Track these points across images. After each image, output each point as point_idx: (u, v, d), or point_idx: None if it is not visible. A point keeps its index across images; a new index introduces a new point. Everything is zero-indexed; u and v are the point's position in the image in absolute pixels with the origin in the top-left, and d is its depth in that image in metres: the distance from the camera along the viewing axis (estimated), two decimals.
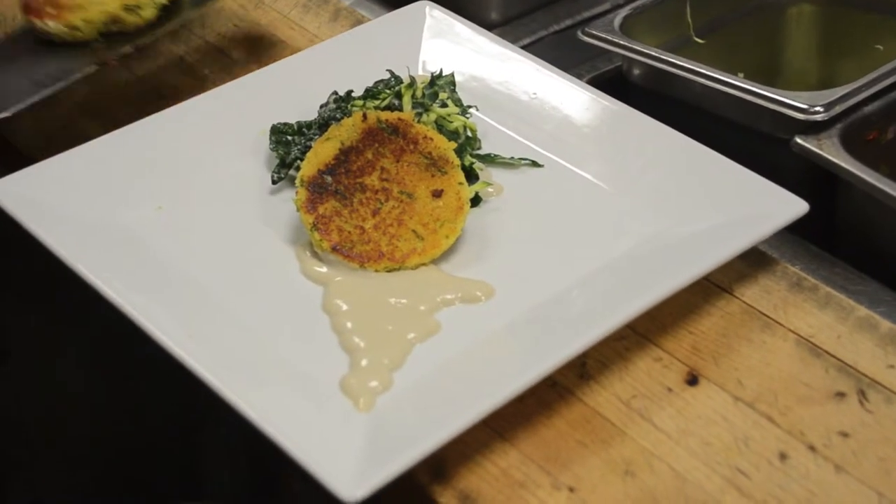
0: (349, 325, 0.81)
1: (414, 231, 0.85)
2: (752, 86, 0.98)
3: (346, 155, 0.88)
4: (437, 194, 0.86)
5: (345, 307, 0.82)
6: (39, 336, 1.25)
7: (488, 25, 1.21)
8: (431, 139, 0.88)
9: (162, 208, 0.90)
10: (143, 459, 1.24)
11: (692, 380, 0.80)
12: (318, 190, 0.86)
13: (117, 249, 0.85)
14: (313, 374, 0.77)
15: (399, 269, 0.84)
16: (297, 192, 0.86)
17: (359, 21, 1.13)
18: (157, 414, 1.18)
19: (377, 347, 0.79)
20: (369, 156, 0.88)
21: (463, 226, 0.86)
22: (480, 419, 0.73)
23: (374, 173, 0.87)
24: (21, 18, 1.03)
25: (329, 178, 0.86)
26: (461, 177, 0.87)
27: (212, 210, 0.90)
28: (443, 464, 0.74)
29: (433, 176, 0.87)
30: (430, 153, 0.88)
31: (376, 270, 0.84)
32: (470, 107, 0.96)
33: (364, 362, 0.78)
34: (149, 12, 1.01)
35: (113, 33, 1.00)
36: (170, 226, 0.88)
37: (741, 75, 1.14)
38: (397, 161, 0.87)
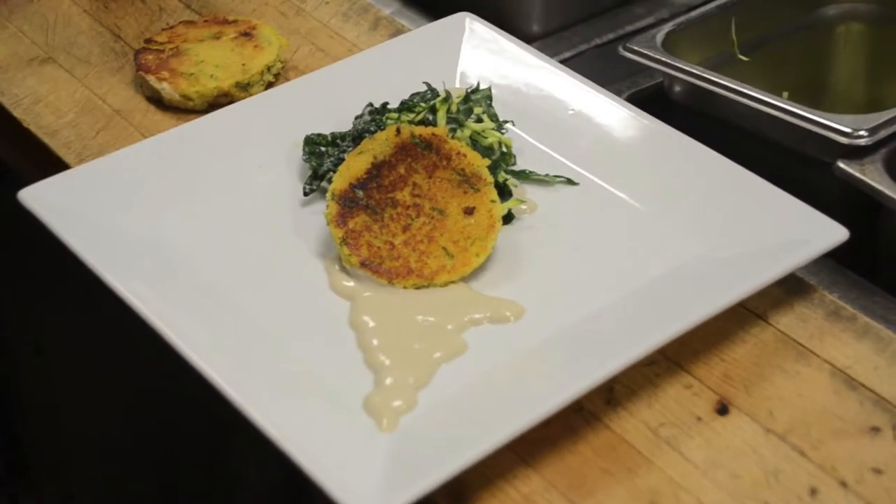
0: (375, 342, 0.80)
1: (444, 248, 0.84)
2: (795, 107, 0.96)
3: (378, 169, 0.87)
4: (469, 212, 0.85)
5: (372, 324, 0.81)
6: (74, 332, 1.26)
7: (529, 38, 1.20)
8: (465, 155, 0.87)
9: (193, 216, 0.89)
10: (174, 458, 1.24)
11: (722, 409, 0.78)
12: (348, 204, 0.85)
13: (145, 257, 0.85)
14: (337, 390, 0.77)
15: (428, 287, 0.83)
16: (327, 206, 0.85)
17: (398, 31, 1.12)
18: (191, 413, 1.18)
19: (403, 366, 0.78)
20: (401, 171, 0.87)
21: (494, 244, 0.85)
22: (505, 444, 0.72)
23: (405, 188, 0.86)
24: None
25: (360, 193, 0.86)
26: (494, 194, 0.86)
27: (242, 220, 0.90)
28: (464, 488, 0.73)
29: (465, 193, 0.86)
30: (462, 170, 0.86)
31: (405, 287, 0.83)
32: (506, 122, 0.95)
33: (389, 381, 0.77)
34: (257, 89, 1.03)
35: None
36: (199, 235, 0.88)
37: (786, 94, 1.12)
38: (430, 177, 0.86)
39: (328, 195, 0.86)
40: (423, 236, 0.84)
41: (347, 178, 0.86)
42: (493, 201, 0.86)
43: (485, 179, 0.86)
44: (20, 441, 1.46)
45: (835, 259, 0.91)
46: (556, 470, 0.74)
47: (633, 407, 0.78)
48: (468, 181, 0.86)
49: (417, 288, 0.83)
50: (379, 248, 0.84)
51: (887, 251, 0.96)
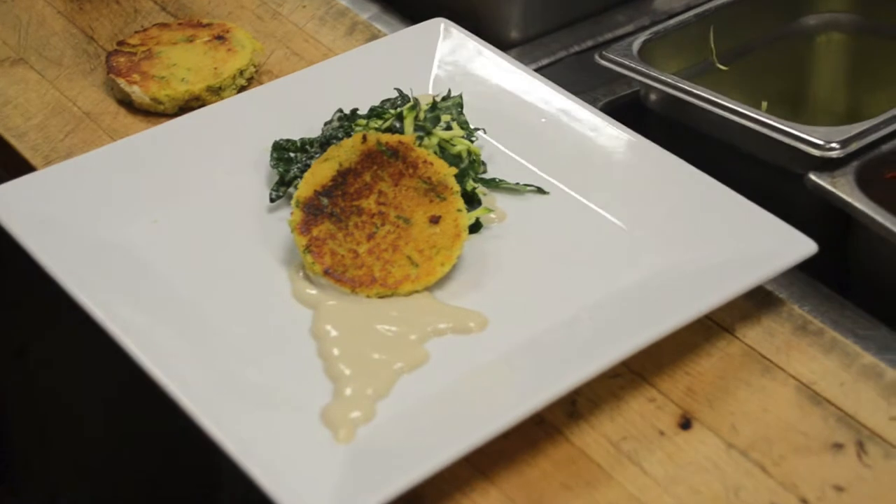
0: (336, 351, 0.79)
1: (409, 257, 0.83)
2: (768, 118, 0.95)
3: (343, 177, 0.86)
4: (435, 220, 0.84)
5: (333, 333, 0.80)
6: (56, 332, 1.25)
7: (508, 44, 1.19)
8: (431, 164, 0.86)
9: (157, 222, 0.89)
10: (160, 459, 1.23)
11: (685, 423, 0.77)
12: (313, 211, 0.84)
13: (104, 262, 0.84)
14: (295, 400, 0.76)
15: (392, 296, 0.83)
16: (292, 213, 0.85)
17: (375, 36, 1.11)
18: (177, 415, 1.17)
19: (362, 376, 0.77)
20: (367, 178, 0.86)
21: (460, 254, 0.84)
22: (461, 457, 0.71)
23: (371, 196, 0.85)
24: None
25: (325, 200, 0.85)
26: (460, 204, 0.85)
27: (207, 226, 0.89)
28: (420, 501, 0.72)
29: (431, 202, 0.85)
30: (429, 178, 0.86)
31: (368, 296, 0.82)
32: (477, 129, 0.94)
33: (348, 391, 0.76)
34: (229, 93, 1.02)
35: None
36: (162, 240, 0.87)
37: (765, 104, 1.11)
38: (395, 185, 0.86)
39: (293, 202, 0.85)
40: (388, 245, 0.84)
41: (312, 184, 0.85)
42: (459, 210, 0.85)
43: (451, 188, 0.85)
44: (2, 443, 1.45)
45: (807, 272, 0.90)
46: (514, 484, 0.73)
47: (595, 420, 0.77)
48: (434, 190, 0.85)
49: (381, 297, 0.82)
50: (343, 256, 0.83)
51: (859, 265, 0.95)
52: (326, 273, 0.82)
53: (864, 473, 0.74)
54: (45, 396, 1.33)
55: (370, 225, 0.84)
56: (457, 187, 0.86)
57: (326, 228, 0.84)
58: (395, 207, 0.85)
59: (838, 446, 0.75)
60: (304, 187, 0.85)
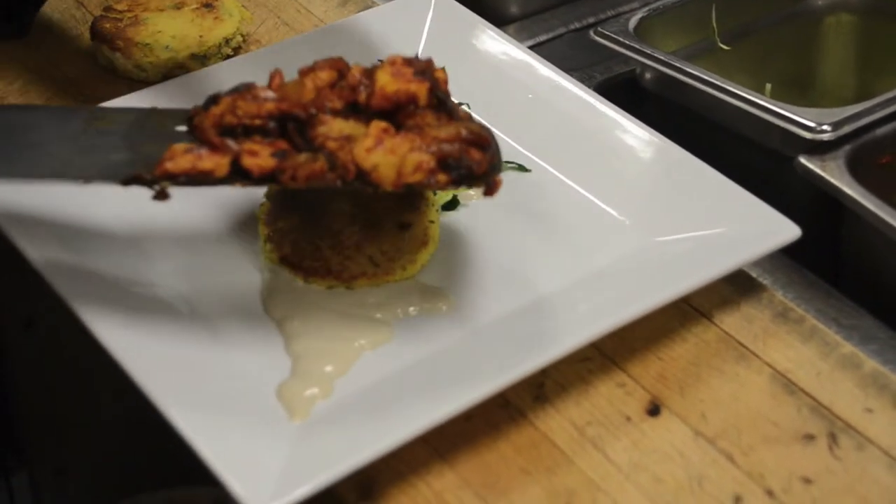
0: (298, 326, 0.77)
1: (370, 257, 0.80)
2: (760, 99, 0.93)
3: None
4: (405, 227, 0.82)
5: (298, 309, 0.78)
6: (64, 304, 1.24)
7: (508, 19, 1.17)
8: None
9: (132, 194, 0.86)
10: (168, 430, 1.22)
11: (654, 409, 0.75)
12: (282, 203, 0.82)
13: (76, 232, 0.82)
14: (251, 376, 0.74)
15: (346, 289, 0.80)
16: (261, 204, 0.83)
17: (368, 7, 1.09)
18: None
19: (323, 353, 0.75)
20: None
21: (425, 263, 0.81)
22: (416, 437, 0.69)
23: (343, 194, 0.82)
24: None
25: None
26: (433, 215, 0.82)
27: (180, 203, 0.86)
28: (373, 482, 0.70)
29: (403, 209, 0.82)
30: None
31: (319, 286, 0.80)
32: (460, 104, 0.92)
33: (307, 367, 0.74)
34: (214, 62, 1.00)
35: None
36: (137, 212, 0.85)
37: (769, 87, 1.09)
38: None
39: (264, 193, 0.83)
40: (352, 244, 0.80)
41: None
42: (431, 222, 0.82)
43: (426, 199, 0.83)
44: (11, 415, 1.45)
45: (796, 258, 0.87)
46: (472, 467, 0.71)
47: (561, 404, 0.75)
48: (408, 197, 0.82)
49: (330, 288, 0.80)
50: (303, 248, 0.80)
51: (849, 253, 0.92)
52: (282, 260, 0.80)
53: (834, 465, 0.71)
54: (55, 369, 1.32)
55: (338, 222, 0.82)
56: (433, 199, 0.83)
57: (292, 221, 0.81)
58: (364, 209, 0.82)
59: (809, 437, 0.73)
60: None
